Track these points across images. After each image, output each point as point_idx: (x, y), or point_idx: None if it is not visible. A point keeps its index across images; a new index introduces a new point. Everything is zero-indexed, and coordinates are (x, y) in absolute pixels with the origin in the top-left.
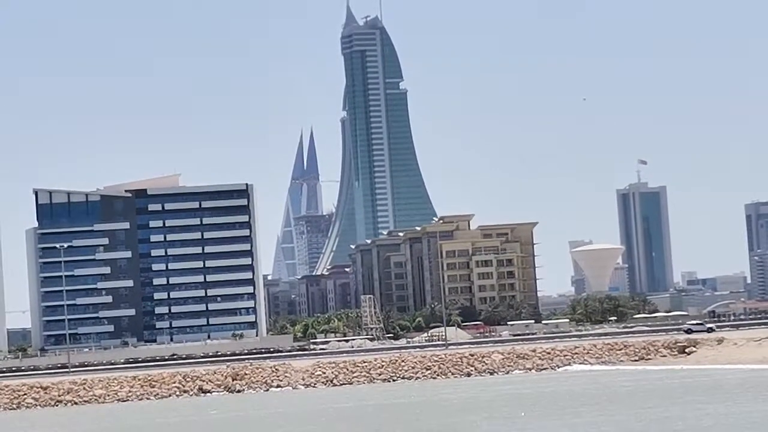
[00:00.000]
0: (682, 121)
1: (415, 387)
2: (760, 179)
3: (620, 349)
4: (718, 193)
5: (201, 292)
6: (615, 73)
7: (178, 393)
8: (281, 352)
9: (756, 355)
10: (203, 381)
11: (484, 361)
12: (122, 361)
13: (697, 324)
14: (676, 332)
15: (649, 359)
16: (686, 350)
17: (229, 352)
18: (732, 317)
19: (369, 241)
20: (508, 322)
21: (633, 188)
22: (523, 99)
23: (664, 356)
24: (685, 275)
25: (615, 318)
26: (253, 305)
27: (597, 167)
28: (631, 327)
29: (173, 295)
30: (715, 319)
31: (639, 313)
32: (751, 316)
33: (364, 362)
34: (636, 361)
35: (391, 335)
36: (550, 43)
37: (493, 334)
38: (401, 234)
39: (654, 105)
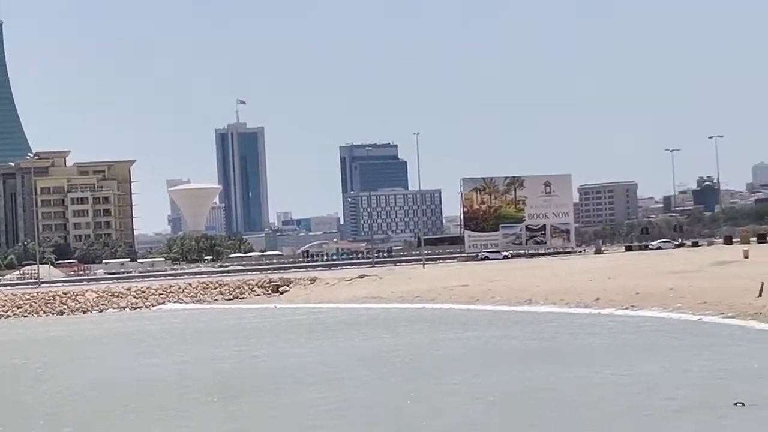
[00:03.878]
0: (279, 59)
1: (7, 325)
2: (353, 122)
3: (215, 288)
4: (314, 135)
5: None
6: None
7: None
8: None
9: (347, 294)
10: None
11: (77, 300)
12: None
13: (493, 252)
14: (270, 271)
15: (244, 298)
16: (279, 289)
17: None
18: (325, 257)
19: None
20: (104, 261)
21: (231, 128)
22: (119, 39)
23: (258, 295)
24: (281, 215)
25: (211, 257)
26: None
27: (196, 106)
28: (227, 266)
29: None
30: (313, 257)
31: (235, 253)
32: (343, 256)
33: None
34: (230, 299)
35: None
36: None
37: (87, 272)
38: None
39: (246, 43)
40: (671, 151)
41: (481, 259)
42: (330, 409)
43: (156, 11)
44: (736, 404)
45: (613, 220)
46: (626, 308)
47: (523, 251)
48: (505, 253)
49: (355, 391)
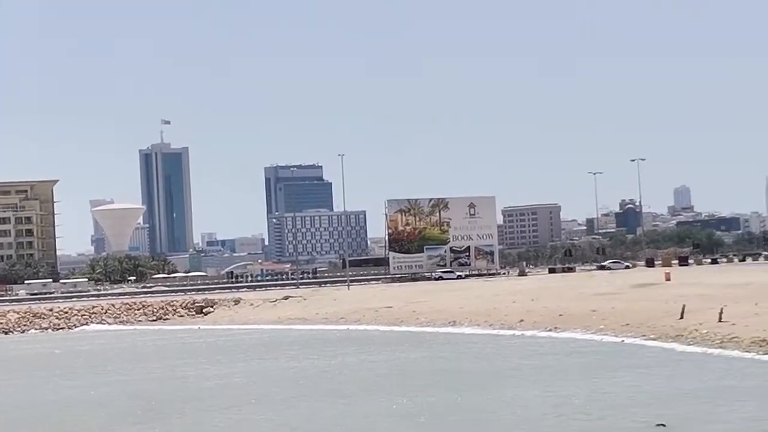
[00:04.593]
0: (204, 78)
1: None
2: (278, 143)
3: (139, 309)
4: (239, 156)
5: None
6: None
7: None
8: None
9: (272, 316)
10: None
11: None
12: None
13: (447, 272)
14: (194, 292)
15: (168, 319)
16: (204, 310)
17: None
18: (249, 278)
19: None
20: (26, 281)
21: (156, 148)
22: (40, 56)
23: (182, 316)
24: (205, 236)
25: (135, 278)
26: None
27: (120, 126)
28: (151, 287)
29: None
30: (238, 279)
31: (159, 273)
32: (268, 278)
33: None
34: (154, 321)
35: None
36: None
37: (9, 292)
38: None
39: (169, 62)
40: (594, 173)
41: (436, 279)
42: (256, 430)
43: (78, 29)
44: (658, 425)
45: (537, 242)
46: (549, 330)
47: (474, 272)
48: (458, 273)
49: (281, 412)
